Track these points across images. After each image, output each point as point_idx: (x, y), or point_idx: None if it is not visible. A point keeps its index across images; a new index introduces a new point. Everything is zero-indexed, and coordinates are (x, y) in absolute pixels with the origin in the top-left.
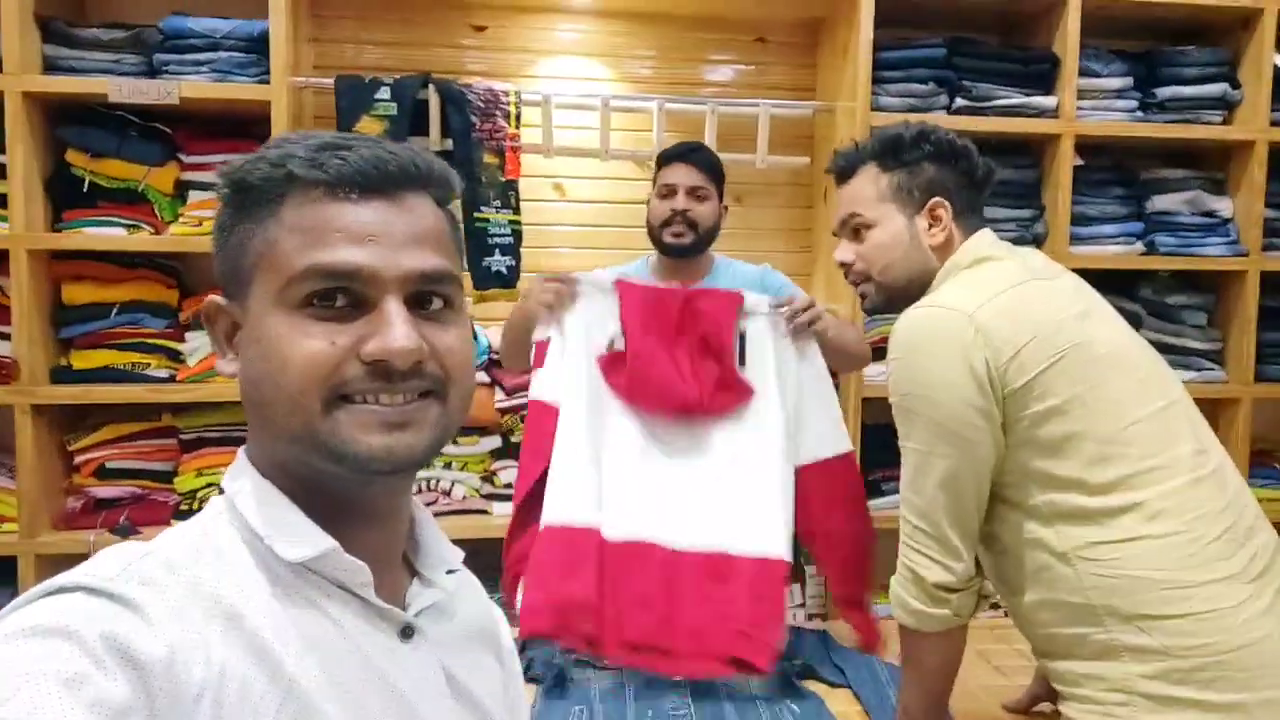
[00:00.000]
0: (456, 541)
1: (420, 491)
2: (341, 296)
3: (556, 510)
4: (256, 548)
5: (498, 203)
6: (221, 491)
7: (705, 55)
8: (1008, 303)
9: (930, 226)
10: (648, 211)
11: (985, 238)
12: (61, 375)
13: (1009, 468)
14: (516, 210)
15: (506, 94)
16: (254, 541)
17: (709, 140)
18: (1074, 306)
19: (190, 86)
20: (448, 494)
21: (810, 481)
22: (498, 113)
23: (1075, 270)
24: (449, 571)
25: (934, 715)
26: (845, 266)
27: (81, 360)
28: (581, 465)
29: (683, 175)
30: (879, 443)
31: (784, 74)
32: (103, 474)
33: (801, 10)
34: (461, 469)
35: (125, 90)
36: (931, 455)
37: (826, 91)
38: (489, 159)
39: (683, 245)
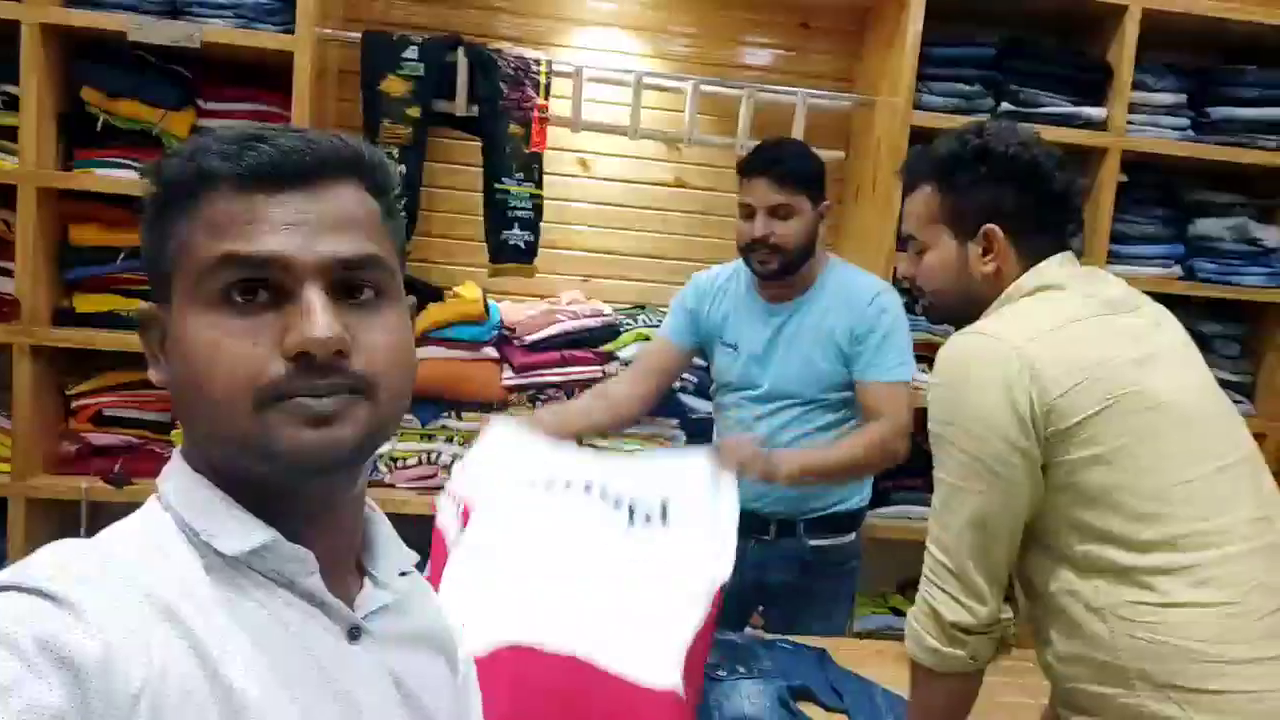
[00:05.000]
0: None
1: (420, 464)
2: (261, 290)
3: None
4: (196, 545)
5: (520, 175)
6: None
7: (746, 36)
8: (1063, 339)
9: (985, 254)
10: (735, 229)
11: (1055, 263)
12: (63, 317)
13: (1047, 512)
14: (539, 184)
15: (537, 63)
16: (194, 538)
17: (742, 126)
18: (1140, 348)
19: (213, 31)
20: (447, 469)
21: None
22: (527, 82)
23: None
24: (402, 574)
25: None
26: (907, 279)
27: (85, 304)
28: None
29: (761, 193)
30: None
31: (826, 62)
32: (100, 420)
33: None
34: (463, 444)
35: (146, 30)
36: (963, 491)
37: (868, 84)
38: (514, 129)
39: (770, 271)
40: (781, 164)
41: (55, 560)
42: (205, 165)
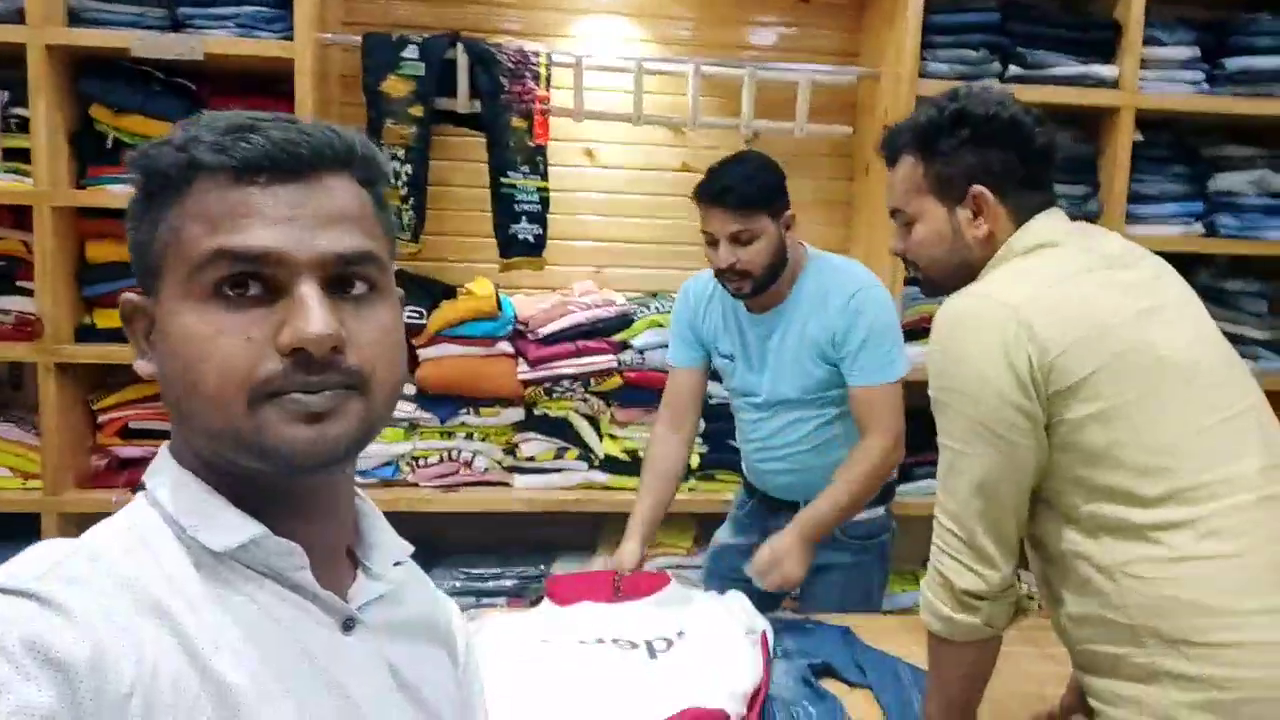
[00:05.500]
0: (478, 515)
1: (441, 461)
2: (254, 284)
3: None
4: (184, 541)
5: (525, 168)
6: (144, 488)
7: (746, 16)
8: (1060, 296)
9: (975, 217)
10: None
11: (1048, 220)
12: (85, 334)
13: (1052, 473)
14: (545, 176)
15: (537, 55)
16: (181, 534)
17: (745, 107)
18: (1140, 302)
19: (214, 42)
20: (469, 465)
21: None
22: (527, 74)
23: None
24: (396, 564)
25: None
26: (898, 255)
27: (105, 319)
28: None
29: (718, 223)
30: (912, 427)
31: (828, 38)
32: (126, 434)
33: None
34: (483, 440)
35: (148, 45)
36: (967, 455)
37: (872, 57)
38: (517, 122)
39: (744, 294)
40: (731, 191)
41: (43, 561)
42: (196, 155)
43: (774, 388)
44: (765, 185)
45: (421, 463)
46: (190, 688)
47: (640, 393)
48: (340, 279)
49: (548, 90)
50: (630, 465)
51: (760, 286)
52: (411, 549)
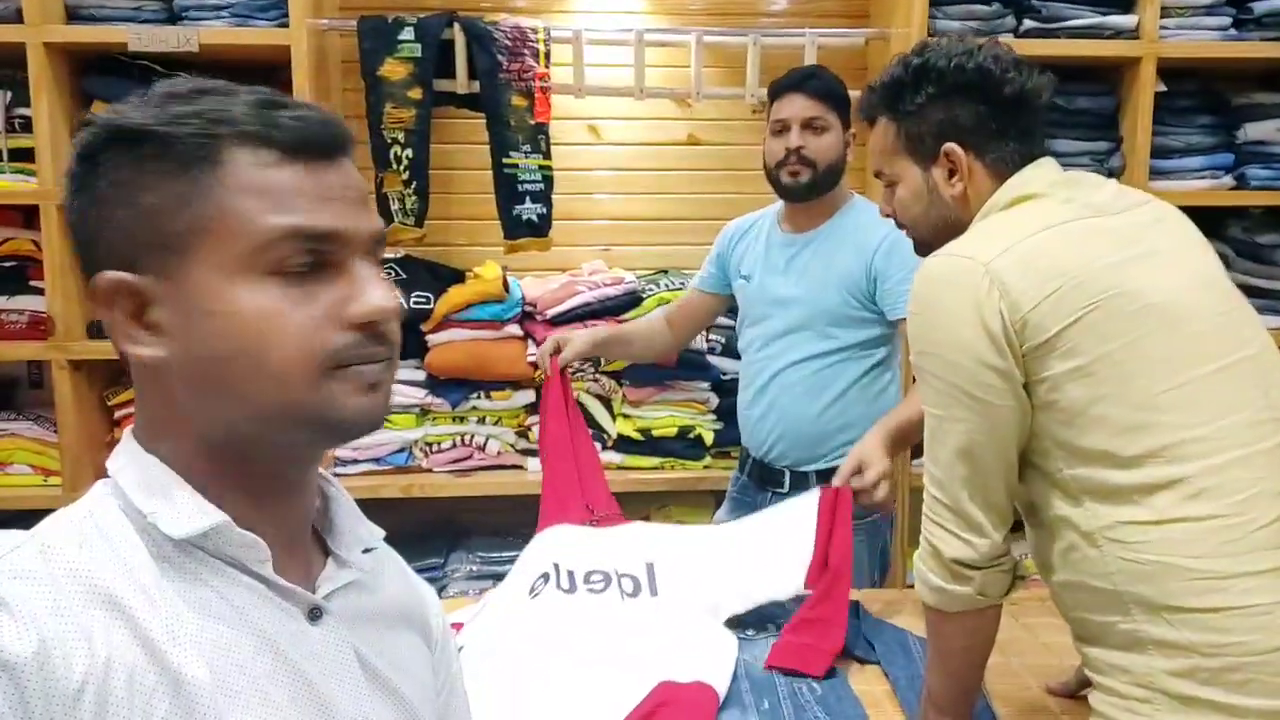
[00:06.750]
0: (492, 499)
1: (454, 446)
2: (309, 260)
3: None
4: (144, 528)
5: (527, 147)
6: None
7: None
8: (1034, 248)
9: (951, 175)
10: (764, 153)
11: (1034, 172)
12: (97, 330)
13: (1036, 434)
14: (547, 155)
15: (535, 31)
16: (140, 521)
17: (750, 75)
18: (1126, 250)
19: (209, 33)
20: (482, 449)
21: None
22: (526, 51)
23: None
24: (366, 550)
25: (961, 703)
26: (888, 217)
27: None
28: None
29: (796, 107)
30: None
31: (837, 1)
32: None
33: None
34: (495, 424)
35: (144, 39)
36: (947, 420)
37: (881, 17)
38: (517, 101)
39: (799, 185)
40: (816, 80)
41: None
42: (244, 129)
43: (783, 293)
44: (842, 86)
45: (434, 448)
46: (147, 681)
47: (652, 371)
48: (372, 256)
49: (547, 67)
50: (643, 444)
51: (818, 183)
52: (383, 534)
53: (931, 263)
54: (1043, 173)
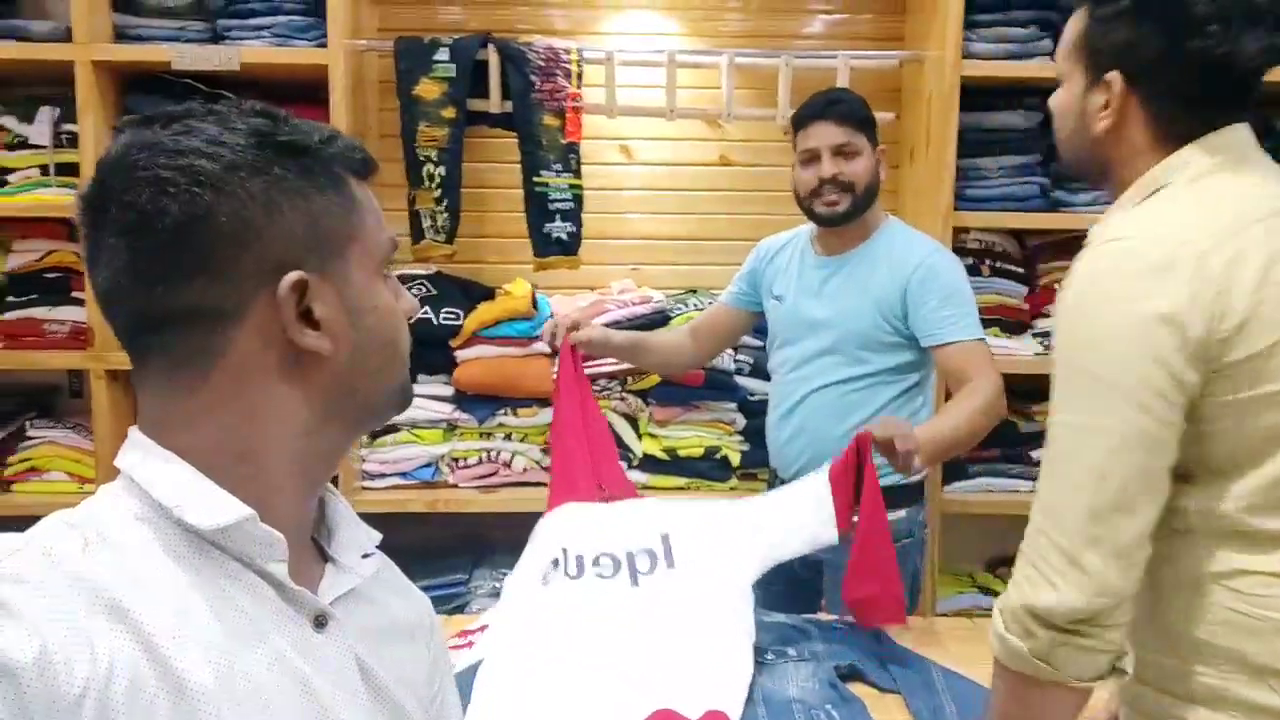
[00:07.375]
0: (518, 515)
1: (481, 462)
2: None
3: None
4: (158, 526)
5: (558, 166)
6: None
7: (783, 4)
8: (1253, 241)
9: (1105, 106)
10: (792, 182)
11: (1223, 141)
12: None
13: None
14: (578, 174)
15: (568, 52)
16: (155, 520)
17: (782, 96)
18: None
19: (250, 52)
20: (508, 465)
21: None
22: (558, 72)
23: None
24: (365, 556)
25: None
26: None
27: None
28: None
29: (824, 135)
30: None
31: (869, 23)
32: None
33: None
34: (521, 440)
35: (188, 58)
36: (1087, 431)
37: (915, 40)
38: (549, 120)
39: (839, 214)
40: (841, 103)
41: None
42: (366, 158)
43: (816, 315)
44: (867, 108)
45: (461, 463)
46: (146, 685)
47: (678, 390)
48: None
49: (579, 87)
50: (669, 464)
51: (857, 207)
52: (379, 537)
53: (1110, 249)
54: (1236, 144)
